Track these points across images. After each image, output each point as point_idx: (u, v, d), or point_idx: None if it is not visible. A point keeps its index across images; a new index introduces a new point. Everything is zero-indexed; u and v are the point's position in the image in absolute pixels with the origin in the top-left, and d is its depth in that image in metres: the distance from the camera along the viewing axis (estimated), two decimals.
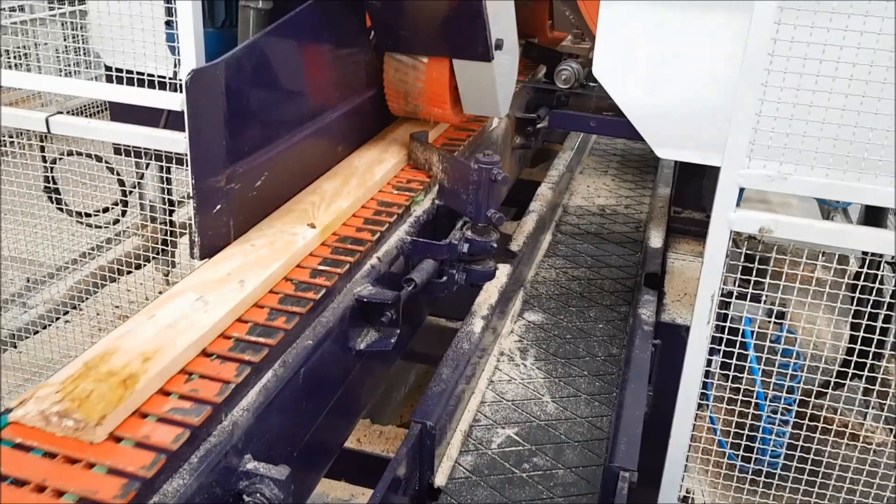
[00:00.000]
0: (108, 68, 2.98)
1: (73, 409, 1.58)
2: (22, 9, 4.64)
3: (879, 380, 2.44)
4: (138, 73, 2.81)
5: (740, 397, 2.31)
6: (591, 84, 4.03)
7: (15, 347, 3.83)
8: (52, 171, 3.45)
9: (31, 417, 1.59)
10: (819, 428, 2.34)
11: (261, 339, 1.93)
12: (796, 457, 2.31)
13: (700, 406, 2.33)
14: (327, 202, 2.63)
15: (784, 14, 1.90)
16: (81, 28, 3.10)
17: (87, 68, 3.23)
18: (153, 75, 2.78)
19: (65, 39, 3.16)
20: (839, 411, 2.56)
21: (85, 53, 3.11)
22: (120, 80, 2.85)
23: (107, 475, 1.50)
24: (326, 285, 2.21)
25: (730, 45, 2.75)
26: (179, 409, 1.67)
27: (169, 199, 3.61)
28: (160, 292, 2.39)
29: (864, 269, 2.42)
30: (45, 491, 1.46)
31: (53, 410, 1.59)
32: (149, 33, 2.76)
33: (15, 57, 3.14)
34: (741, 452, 2.47)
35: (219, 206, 2.30)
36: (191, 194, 2.26)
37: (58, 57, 3.16)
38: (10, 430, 1.58)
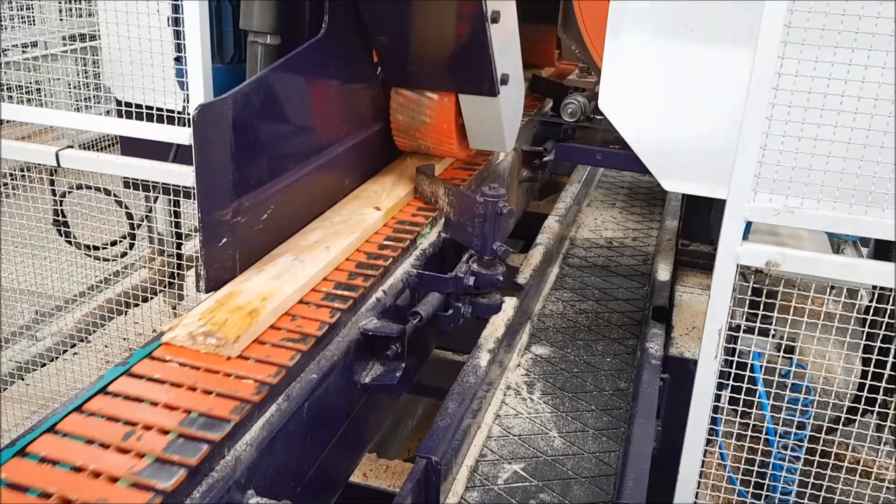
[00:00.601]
0: (119, 102, 3.01)
1: (216, 331, 2.04)
2: (35, 44, 4.71)
3: (892, 414, 2.40)
4: (147, 107, 2.84)
5: (749, 433, 2.28)
6: (598, 117, 4.04)
7: (23, 380, 3.83)
8: (60, 205, 3.47)
9: (180, 338, 2.04)
10: (831, 464, 2.31)
11: (344, 293, 2.38)
12: (808, 493, 2.27)
13: (709, 441, 2.30)
14: (388, 191, 3.09)
15: (788, 48, 1.90)
16: (94, 63, 3.14)
17: (98, 103, 3.27)
18: (162, 109, 2.81)
19: (77, 75, 3.20)
20: (851, 447, 2.53)
21: (96, 88, 3.14)
22: (130, 115, 2.88)
23: (240, 380, 1.92)
24: (392, 255, 2.66)
25: (735, 78, 2.76)
26: (289, 339, 2.12)
27: (177, 233, 3.63)
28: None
29: (874, 303, 2.39)
30: (196, 390, 1.87)
31: (200, 332, 2.04)
32: (158, 68, 2.79)
33: (27, 92, 3.18)
34: (751, 489, 2.43)
35: (225, 240, 2.31)
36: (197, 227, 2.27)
37: (70, 91, 3.20)
38: (162, 350, 2.03)
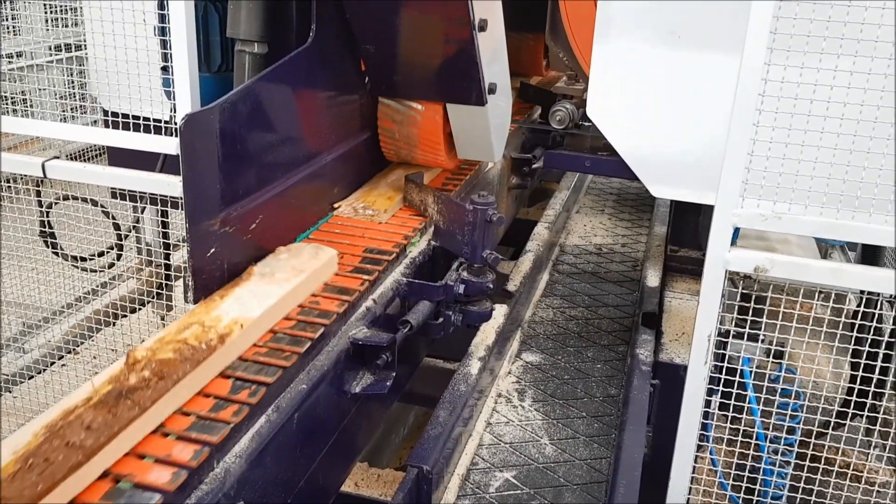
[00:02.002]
0: (106, 112, 3.00)
1: (371, 206, 3.08)
2: (20, 55, 4.68)
3: (881, 418, 2.41)
4: (134, 116, 2.83)
5: (740, 438, 2.28)
6: (586, 124, 4.05)
7: (10, 392, 3.80)
8: (47, 216, 3.45)
9: (346, 211, 3.05)
10: (821, 468, 2.31)
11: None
12: (798, 497, 2.28)
13: (700, 447, 2.30)
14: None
15: (774, 55, 1.91)
16: (80, 74, 3.13)
17: (84, 113, 3.26)
18: (149, 119, 2.80)
19: (65, 85, 3.19)
20: (841, 450, 2.53)
21: (83, 98, 3.13)
22: (117, 125, 2.86)
23: (392, 234, 2.93)
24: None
25: (722, 85, 2.77)
26: (414, 215, 3.11)
27: (165, 243, 3.61)
28: None
29: (862, 308, 2.41)
30: (365, 237, 2.88)
31: (360, 206, 3.07)
32: (145, 78, 2.78)
33: (13, 102, 3.17)
34: (742, 494, 2.43)
35: (213, 250, 2.30)
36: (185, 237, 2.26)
37: (56, 102, 3.19)
38: (333, 219, 3.01)
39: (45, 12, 3.57)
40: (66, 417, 1.65)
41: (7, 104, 3.09)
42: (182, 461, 1.65)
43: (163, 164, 3.01)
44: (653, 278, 3.91)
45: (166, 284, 3.76)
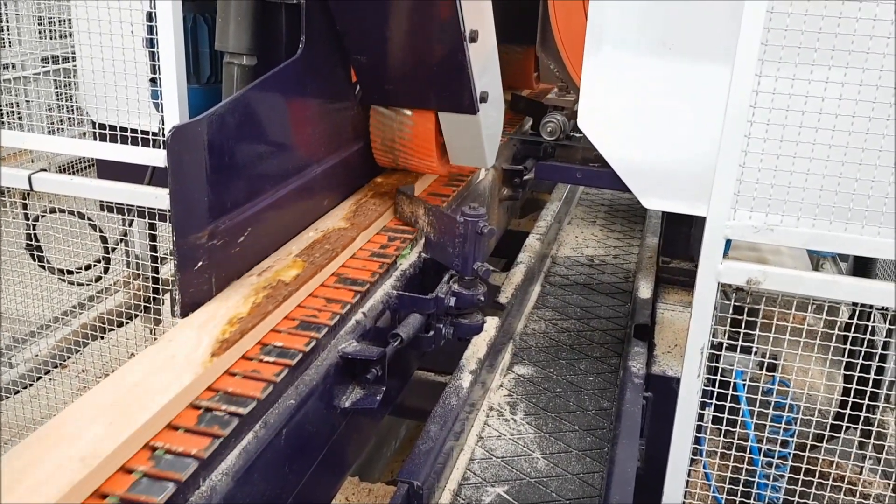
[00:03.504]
0: (95, 124, 2.98)
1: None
2: (6, 67, 4.66)
3: (875, 430, 2.39)
4: (123, 128, 2.81)
5: (733, 452, 2.26)
6: (577, 135, 4.05)
7: None
8: (34, 229, 3.42)
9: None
10: (816, 481, 2.29)
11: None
12: None
13: (693, 460, 2.28)
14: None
15: (765, 66, 1.90)
16: (69, 85, 3.11)
17: (72, 125, 3.23)
18: (136, 131, 2.78)
19: (53, 97, 3.16)
20: (835, 463, 2.52)
21: (70, 110, 3.11)
22: (105, 137, 2.84)
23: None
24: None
25: (713, 96, 2.76)
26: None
27: (153, 256, 3.59)
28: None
29: (855, 320, 2.39)
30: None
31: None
32: (133, 90, 2.76)
33: (1, 115, 3.14)
34: None
35: (200, 263, 2.27)
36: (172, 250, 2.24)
37: (44, 113, 3.16)
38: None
39: (35, 24, 3.55)
40: (362, 198, 3.17)
41: None
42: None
43: (151, 176, 2.99)
44: (645, 290, 3.90)
45: (154, 298, 3.73)
